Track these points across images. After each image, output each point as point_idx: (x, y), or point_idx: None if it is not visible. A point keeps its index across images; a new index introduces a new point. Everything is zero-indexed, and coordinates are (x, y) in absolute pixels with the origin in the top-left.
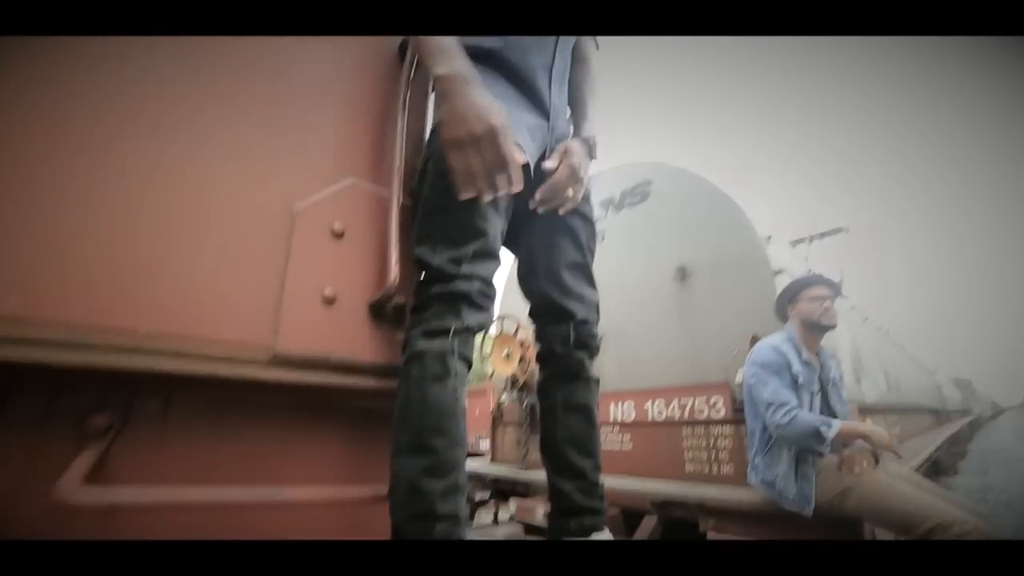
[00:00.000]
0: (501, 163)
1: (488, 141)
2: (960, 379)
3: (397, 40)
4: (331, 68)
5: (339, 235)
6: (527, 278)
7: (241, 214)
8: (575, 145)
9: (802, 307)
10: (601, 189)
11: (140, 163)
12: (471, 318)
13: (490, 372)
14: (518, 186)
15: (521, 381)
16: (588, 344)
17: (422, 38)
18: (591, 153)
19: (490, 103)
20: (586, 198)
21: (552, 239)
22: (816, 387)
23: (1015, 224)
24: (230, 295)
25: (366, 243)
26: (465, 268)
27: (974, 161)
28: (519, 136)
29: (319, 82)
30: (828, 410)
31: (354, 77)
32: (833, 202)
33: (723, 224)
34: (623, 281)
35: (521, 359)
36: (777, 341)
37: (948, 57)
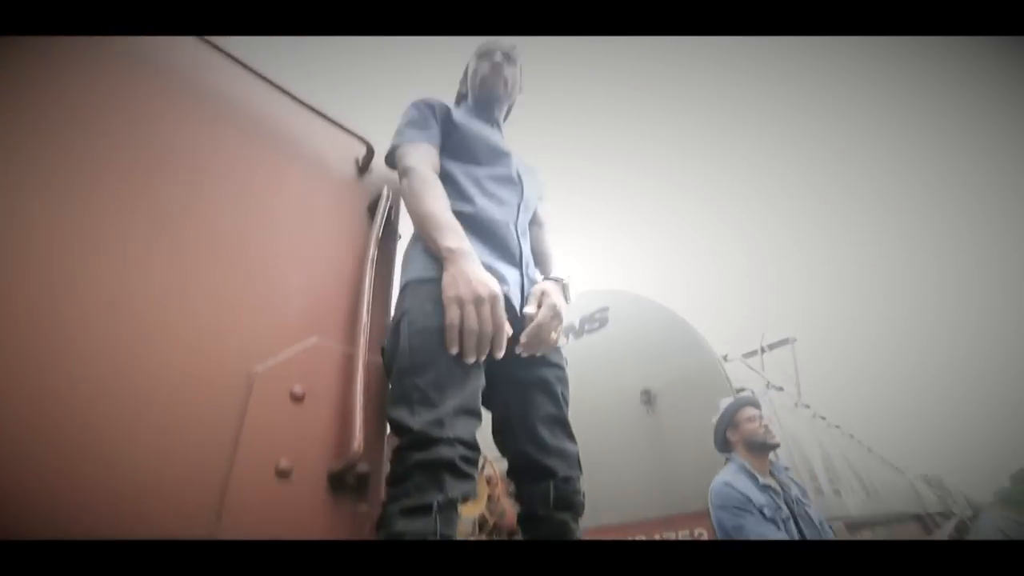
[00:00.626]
0: (496, 327)
1: (489, 304)
2: (931, 476)
3: (365, 198)
4: (298, 221)
5: (299, 399)
6: (503, 435)
7: (191, 379)
8: (550, 286)
9: (744, 429)
10: None
11: (81, 316)
12: (455, 489)
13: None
14: (501, 352)
15: (491, 523)
16: (572, 503)
17: (429, 212)
18: (565, 294)
19: (490, 276)
20: (560, 352)
21: (526, 394)
22: (785, 513)
23: (962, 318)
24: (172, 477)
25: (328, 406)
26: (447, 431)
27: (919, 258)
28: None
29: (286, 235)
30: (803, 537)
31: (320, 233)
32: (779, 314)
33: (681, 346)
34: (589, 407)
35: (489, 498)
36: (729, 476)
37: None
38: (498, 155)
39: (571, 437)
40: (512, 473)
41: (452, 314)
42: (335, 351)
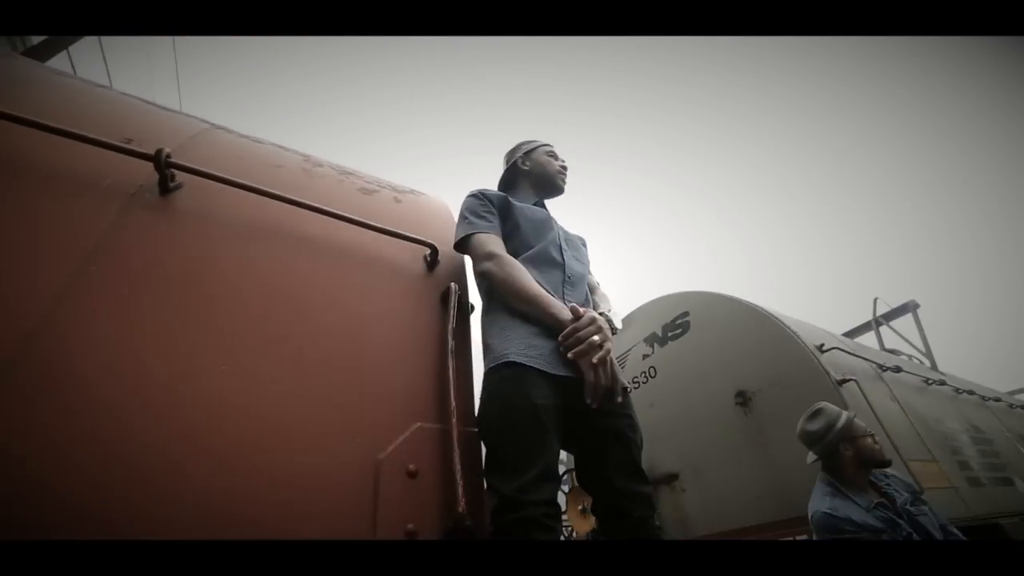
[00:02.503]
0: (614, 372)
1: (606, 352)
2: None
3: (436, 290)
4: (389, 326)
5: (413, 475)
6: (583, 477)
7: (343, 468)
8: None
9: (862, 444)
10: (643, 326)
11: (254, 433)
12: (543, 537)
13: (569, 530)
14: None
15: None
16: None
17: (532, 293)
18: (610, 326)
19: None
20: (629, 401)
21: (601, 443)
22: (904, 531)
23: None
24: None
25: (436, 477)
26: (532, 495)
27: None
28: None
29: (381, 340)
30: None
31: (407, 331)
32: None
33: (770, 341)
34: (686, 415)
35: None
36: (825, 504)
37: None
38: (544, 235)
39: (643, 478)
40: (594, 510)
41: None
42: (434, 431)
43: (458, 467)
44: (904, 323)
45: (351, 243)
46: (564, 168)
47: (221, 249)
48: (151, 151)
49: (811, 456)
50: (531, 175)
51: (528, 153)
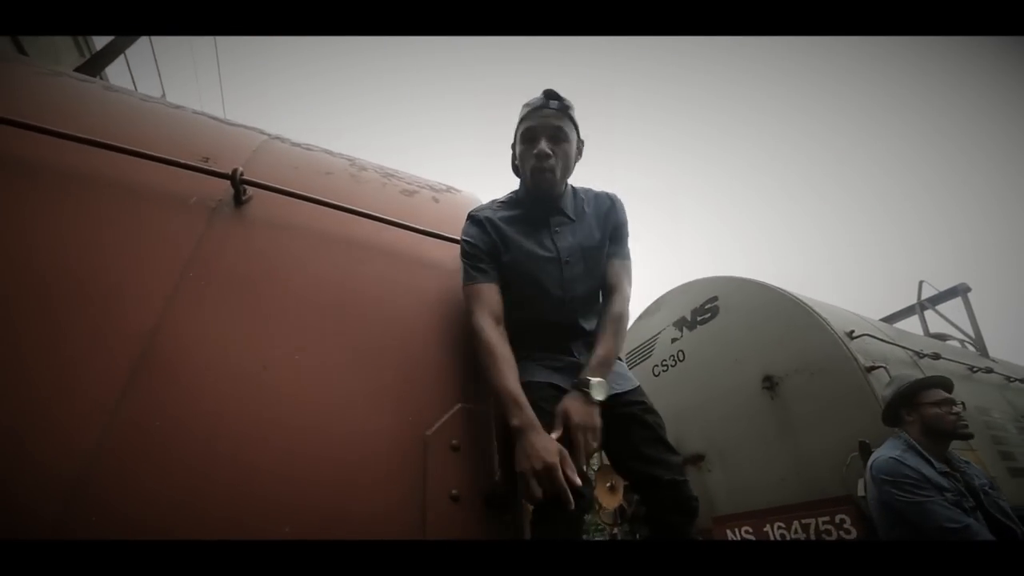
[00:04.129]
0: (556, 491)
1: (548, 472)
2: None
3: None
4: (433, 320)
5: (457, 448)
6: (616, 462)
7: (397, 442)
8: (572, 404)
9: (926, 412)
10: (672, 310)
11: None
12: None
13: (597, 507)
14: (569, 506)
15: (630, 512)
16: (683, 507)
17: (500, 389)
18: (590, 399)
19: (547, 445)
20: (640, 391)
21: (622, 431)
22: (971, 502)
23: None
24: (381, 504)
25: (476, 451)
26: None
27: None
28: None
29: (428, 334)
30: (998, 530)
31: (450, 324)
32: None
33: (798, 327)
34: (713, 398)
35: (626, 489)
36: (896, 451)
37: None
38: (537, 267)
39: (670, 448)
40: (632, 487)
41: (524, 485)
42: (474, 411)
43: (495, 442)
44: (954, 308)
45: (396, 243)
46: (542, 158)
47: (286, 254)
48: (227, 169)
49: (850, 456)
50: (522, 174)
51: (513, 146)
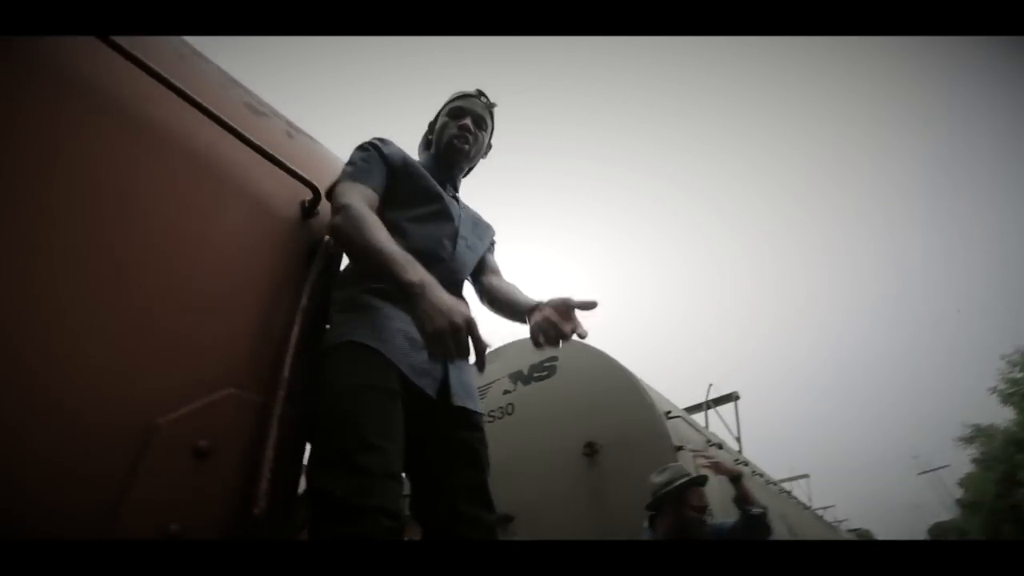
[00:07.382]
0: (478, 348)
1: (468, 328)
2: (861, 531)
3: (305, 245)
4: (228, 260)
5: (203, 454)
6: (417, 502)
7: (80, 425)
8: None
9: (685, 514)
10: (510, 362)
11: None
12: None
13: None
14: (482, 368)
15: None
16: None
17: (376, 246)
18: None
19: (458, 301)
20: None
21: (450, 461)
22: None
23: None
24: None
25: (235, 463)
26: (374, 499)
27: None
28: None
29: (222, 281)
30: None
31: (256, 278)
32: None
33: (627, 401)
34: (534, 457)
35: None
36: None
37: None
38: (435, 199)
39: (490, 508)
40: (422, 530)
41: (434, 348)
42: (250, 402)
43: (270, 452)
44: (726, 410)
45: (221, 152)
46: (464, 130)
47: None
48: None
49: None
50: (436, 141)
51: (432, 123)
